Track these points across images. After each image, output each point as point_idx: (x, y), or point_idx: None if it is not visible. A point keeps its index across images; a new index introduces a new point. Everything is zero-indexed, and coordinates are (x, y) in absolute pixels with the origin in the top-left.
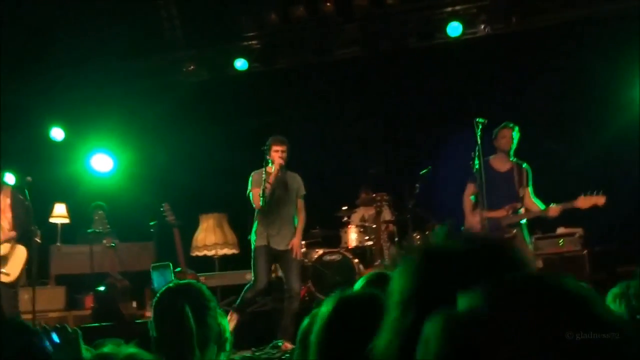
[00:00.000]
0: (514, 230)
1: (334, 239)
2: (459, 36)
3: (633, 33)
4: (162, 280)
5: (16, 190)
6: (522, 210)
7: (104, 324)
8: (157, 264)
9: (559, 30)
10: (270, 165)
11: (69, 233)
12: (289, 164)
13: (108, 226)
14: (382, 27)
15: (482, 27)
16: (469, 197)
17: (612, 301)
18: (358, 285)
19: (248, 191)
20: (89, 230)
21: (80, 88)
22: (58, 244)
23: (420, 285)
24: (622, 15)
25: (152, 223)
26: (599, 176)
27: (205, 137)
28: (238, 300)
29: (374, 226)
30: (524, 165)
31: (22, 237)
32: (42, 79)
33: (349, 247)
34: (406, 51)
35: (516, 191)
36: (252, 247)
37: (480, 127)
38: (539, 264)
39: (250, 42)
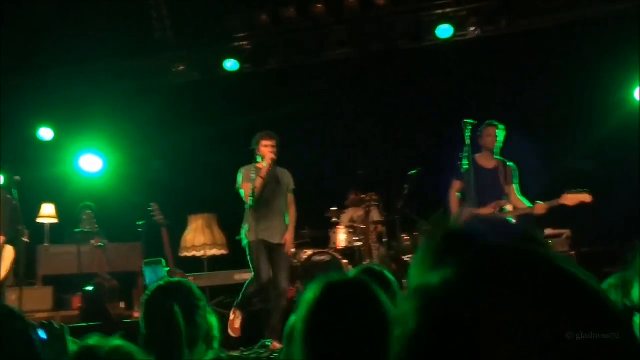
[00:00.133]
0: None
1: (323, 240)
2: (449, 38)
3: (622, 35)
4: (153, 276)
5: (4, 189)
6: (508, 208)
7: (91, 323)
8: (149, 260)
9: (548, 33)
10: (259, 161)
11: (57, 233)
12: (277, 164)
13: (96, 226)
14: (373, 28)
15: (472, 29)
16: (454, 194)
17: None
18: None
19: (237, 186)
20: (76, 230)
21: (70, 88)
22: (46, 244)
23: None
24: (610, 18)
25: (140, 223)
26: (589, 177)
27: (194, 138)
28: (240, 297)
29: (363, 227)
30: (509, 163)
31: (9, 237)
32: (31, 78)
33: (338, 248)
34: (396, 53)
35: (502, 188)
36: (246, 242)
37: (469, 128)
38: None
39: (240, 43)
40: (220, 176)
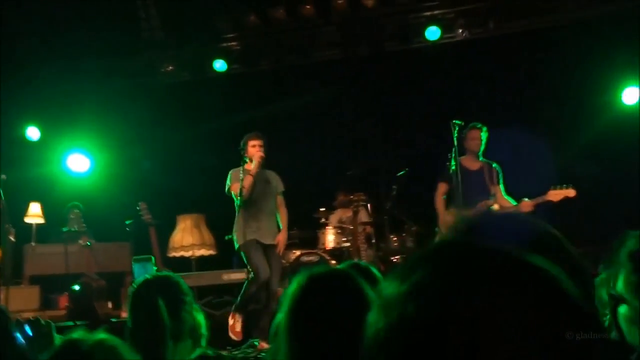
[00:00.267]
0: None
1: (312, 241)
2: (437, 40)
3: (610, 38)
4: (143, 273)
5: None
6: (495, 207)
7: (78, 323)
8: (139, 257)
9: (536, 35)
10: (247, 162)
11: (44, 233)
12: (266, 165)
13: (84, 225)
14: (361, 30)
15: (460, 31)
16: (441, 197)
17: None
18: None
19: (227, 188)
20: (63, 230)
21: (57, 87)
22: (32, 243)
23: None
24: (598, 20)
25: (128, 222)
26: (579, 176)
27: (183, 138)
28: (239, 300)
29: (352, 228)
30: (494, 164)
31: None
32: (18, 77)
33: (327, 249)
34: (385, 54)
35: (488, 189)
36: (239, 244)
37: (457, 128)
38: None
39: (229, 44)
40: (208, 176)
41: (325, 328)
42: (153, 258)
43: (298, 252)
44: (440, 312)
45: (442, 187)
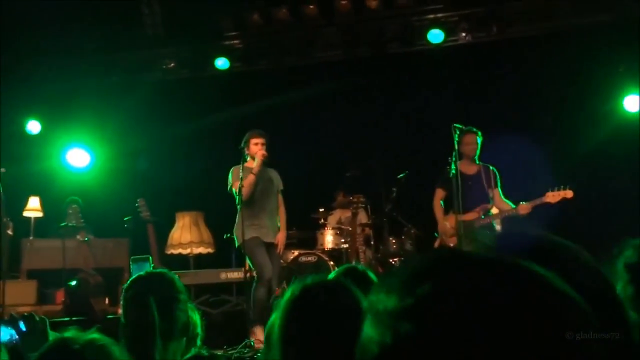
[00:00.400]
0: (487, 233)
1: (310, 241)
2: (440, 43)
3: (613, 44)
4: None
5: None
6: (493, 211)
7: (74, 318)
8: (137, 257)
9: (538, 40)
10: (248, 160)
11: (42, 227)
12: (266, 163)
13: (82, 220)
14: (364, 31)
15: (463, 35)
16: (438, 202)
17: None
18: (331, 277)
19: (229, 185)
20: (61, 224)
21: (58, 81)
22: (30, 237)
23: None
24: (601, 27)
25: (126, 218)
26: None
27: (183, 135)
28: (253, 310)
29: (350, 229)
30: (491, 167)
31: None
32: (19, 71)
33: (325, 249)
34: (387, 56)
35: (486, 193)
36: (240, 242)
37: (458, 132)
38: None
39: (232, 42)
40: (208, 174)
41: (319, 340)
42: (151, 258)
43: (296, 252)
44: (445, 330)
45: (439, 193)
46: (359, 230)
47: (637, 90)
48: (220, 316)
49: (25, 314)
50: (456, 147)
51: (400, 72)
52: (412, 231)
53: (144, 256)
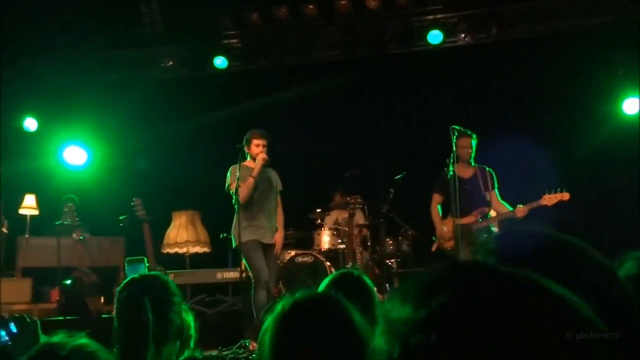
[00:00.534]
0: (485, 236)
1: (307, 241)
2: (439, 44)
3: (612, 48)
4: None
5: None
6: (491, 214)
7: (69, 317)
8: (132, 258)
9: (538, 42)
10: (248, 159)
11: (38, 225)
12: (265, 164)
13: (77, 219)
14: (363, 31)
15: (463, 36)
16: (436, 207)
17: None
18: (322, 286)
19: (227, 185)
20: (57, 222)
21: (56, 79)
22: (26, 235)
23: None
24: (600, 30)
25: (121, 217)
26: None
27: (181, 133)
28: (257, 317)
29: (347, 229)
30: (488, 169)
31: None
32: (17, 68)
33: (322, 250)
34: (386, 56)
35: (482, 196)
36: (238, 242)
37: (456, 133)
38: None
39: (231, 41)
40: (205, 173)
41: (310, 354)
42: (145, 259)
43: (293, 253)
44: (456, 344)
45: (436, 198)
46: (356, 231)
47: (636, 93)
48: (215, 316)
49: (17, 315)
50: (454, 148)
51: (399, 73)
52: (409, 232)
53: (139, 257)
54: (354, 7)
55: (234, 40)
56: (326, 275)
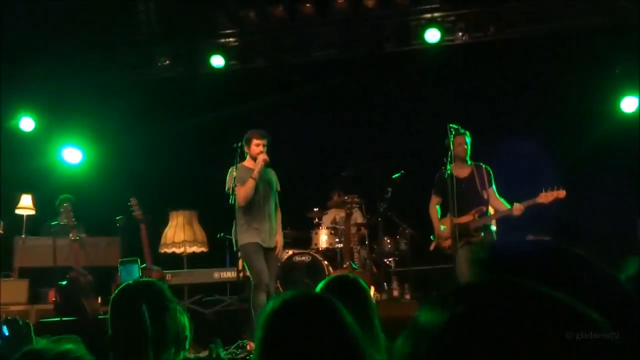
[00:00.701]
0: (482, 234)
1: (305, 240)
2: (437, 43)
3: (610, 47)
4: (127, 276)
5: None
6: (490, 211)
7: (65, 319)
8: (125, 259)
9: (536, 41)
10: (248, 159)
11: (35, 225)
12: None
13: (74, 219)
14: (361, 30)
15: (460, 34)
16: (434, 208)
17: None
18: (317, 289)
19: (227, 187)
20: (53, 223)
21: (52, 79)
22: (23, 235)
23: None
24: (599, 29)
25: (118, 218)
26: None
27: (178, 133)
28: (256, 318)
29: (345, 228)
30: (484, 166)
31: None
32: (13, 69)
33: (319, 249)
34: (383, 55)
35: (480, 194)
36: (239, 245)
37: (454, 132)
38: None
39: (227, 40)
40: (202, 173)
41: (298, 354)
42: (139, 260)
43: (291, 252)
44: (469, 349)
45: (434, 199)
46: (353, 230)
47: (634, 91)
48: (213, 316)
49: (9, 317)
50: (451, 147)
51: (396, 71)
52: (407, 231)
53: (132, 258)
54: (351, 6)
55: (230, 39)
56: (324, 274)
